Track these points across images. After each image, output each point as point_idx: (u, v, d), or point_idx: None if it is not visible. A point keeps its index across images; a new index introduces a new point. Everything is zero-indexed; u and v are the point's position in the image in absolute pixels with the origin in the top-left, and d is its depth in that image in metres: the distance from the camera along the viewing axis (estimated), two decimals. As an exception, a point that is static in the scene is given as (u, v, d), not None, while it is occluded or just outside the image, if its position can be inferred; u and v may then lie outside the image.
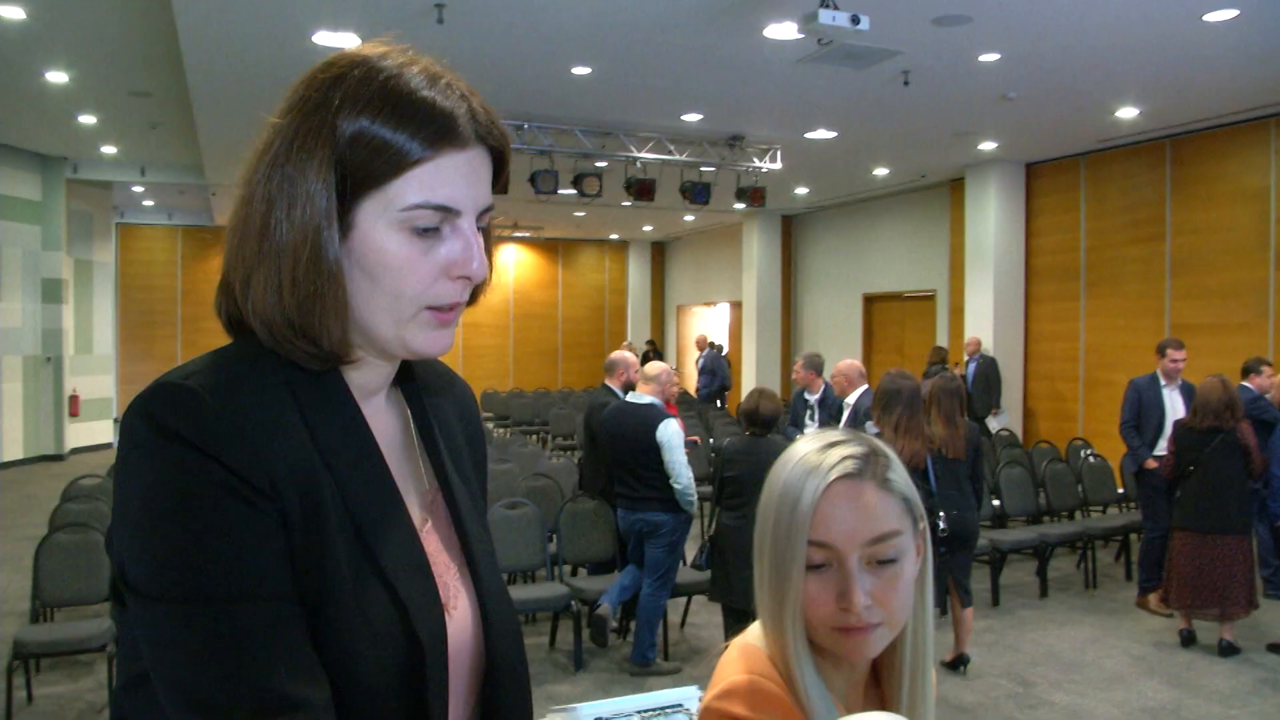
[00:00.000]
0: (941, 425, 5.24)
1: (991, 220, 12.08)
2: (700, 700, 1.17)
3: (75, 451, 14.59)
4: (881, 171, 13.18)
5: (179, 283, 19.42)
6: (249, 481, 0.86)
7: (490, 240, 1.04)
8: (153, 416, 0.86)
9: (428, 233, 0.93)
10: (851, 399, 6.28)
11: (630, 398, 5.65)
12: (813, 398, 6.80)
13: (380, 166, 0.91)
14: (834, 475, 1.07)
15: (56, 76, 9.22)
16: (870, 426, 4.87)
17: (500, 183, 1.03)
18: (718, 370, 15.66)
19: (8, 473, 12.45)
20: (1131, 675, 5.44)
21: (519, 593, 5.64)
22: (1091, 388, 11.45)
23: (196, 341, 19.13)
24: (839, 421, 6.21)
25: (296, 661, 0.85)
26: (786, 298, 17.63)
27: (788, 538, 1.07)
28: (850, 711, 1.14)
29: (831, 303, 16.75)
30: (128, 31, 7.91)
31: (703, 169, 11.22)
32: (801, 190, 14.87)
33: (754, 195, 11.44)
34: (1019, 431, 11.60)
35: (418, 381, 1.11)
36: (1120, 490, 8.09)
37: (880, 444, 1.14)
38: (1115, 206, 11.22)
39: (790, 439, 6.95)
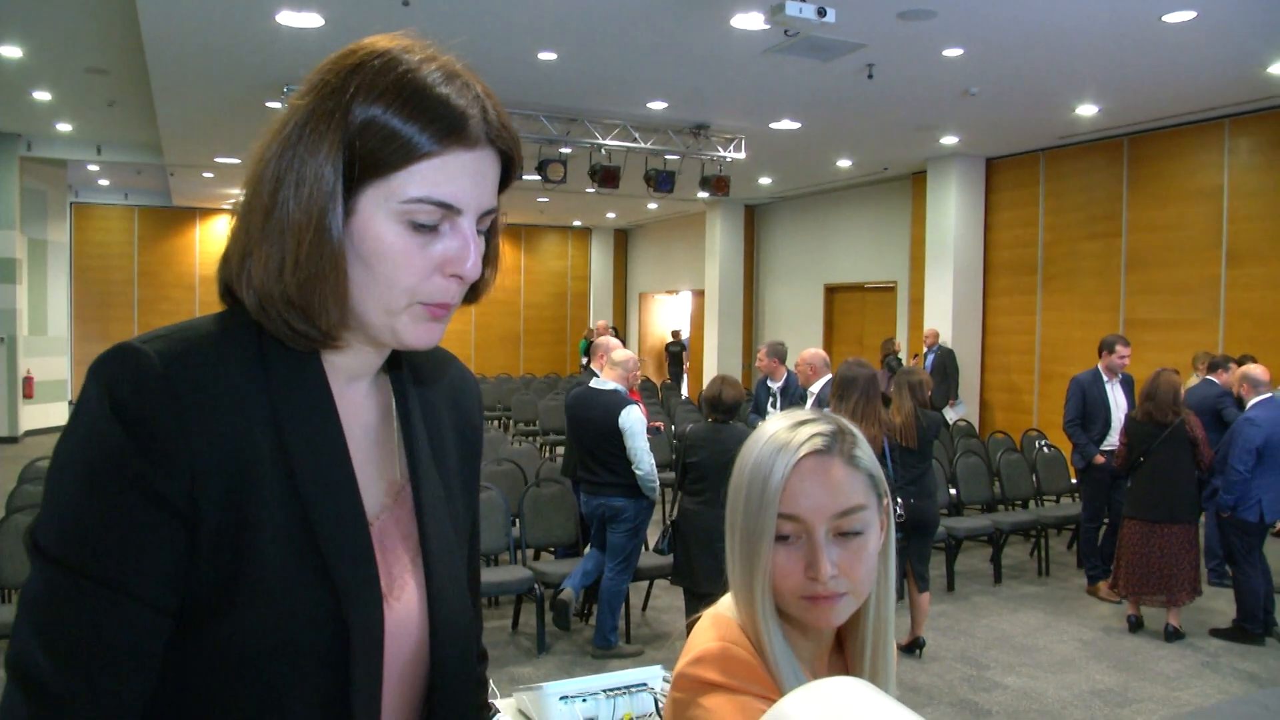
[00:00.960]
0: (901, 415, 5.33)
1: (952, 214, 12.23)
2: (665, 679, 1.20)
3: (30, 434, 14.37)
4: (844, 163, 13.29)
5: (135, 264, 19.15)
6: (159, 470, 0.87)
7: (496, 241, 1.06)
8: (99, 376, 0.89)
9: (427, 228, 0.94)
10: (815, 388, 6.35)
11: (594, 383, 5.68)
12: (775, 385, 6.87)
13: (388, 156, 0.92)
14: (803, 451, 1.13)
15: (10, 51, 9.04)
16: (827, 413, 4.93)
17: (507, 186, 1.04)
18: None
19: (-42, 454, 12.24)
20: (1081, 659, 5.57)
21: (484, 575, 5.65)
22: (1047, 380, 11.65)
23: (153, 323, 18.78)
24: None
25: (131, 664, 0.87)
26: (749, 286, 17.72)
27: (759, 511, 1.13)
28: (817, 678, 1.18)
29: (793, 292, 16.87)
30: (84, 6, 7.78)
31: (667, 157, 11.26)
32: (765, 180, 14.96)
33: (718, 184, 11.49)
34: (975, 422, 11.78)
35: (405, 369, 1.12)
36: (1074, 480, 8.26)
37: (847, 423, 1.19)
38: (1073, 203, 11.41)
39: (753, 426, 7.05)
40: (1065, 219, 11.53)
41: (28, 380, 14.44)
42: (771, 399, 6.91)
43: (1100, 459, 6.58)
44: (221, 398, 0.91)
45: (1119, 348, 6.87)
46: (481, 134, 0.95)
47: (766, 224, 17.71)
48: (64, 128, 12.93)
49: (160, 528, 0.87)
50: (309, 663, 0.92)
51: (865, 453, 1.17)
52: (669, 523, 5.53)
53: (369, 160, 0.92)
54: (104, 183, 17.81)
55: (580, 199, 16.80)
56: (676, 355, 19.41)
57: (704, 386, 5.36)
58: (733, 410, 5.05)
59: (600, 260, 22.95)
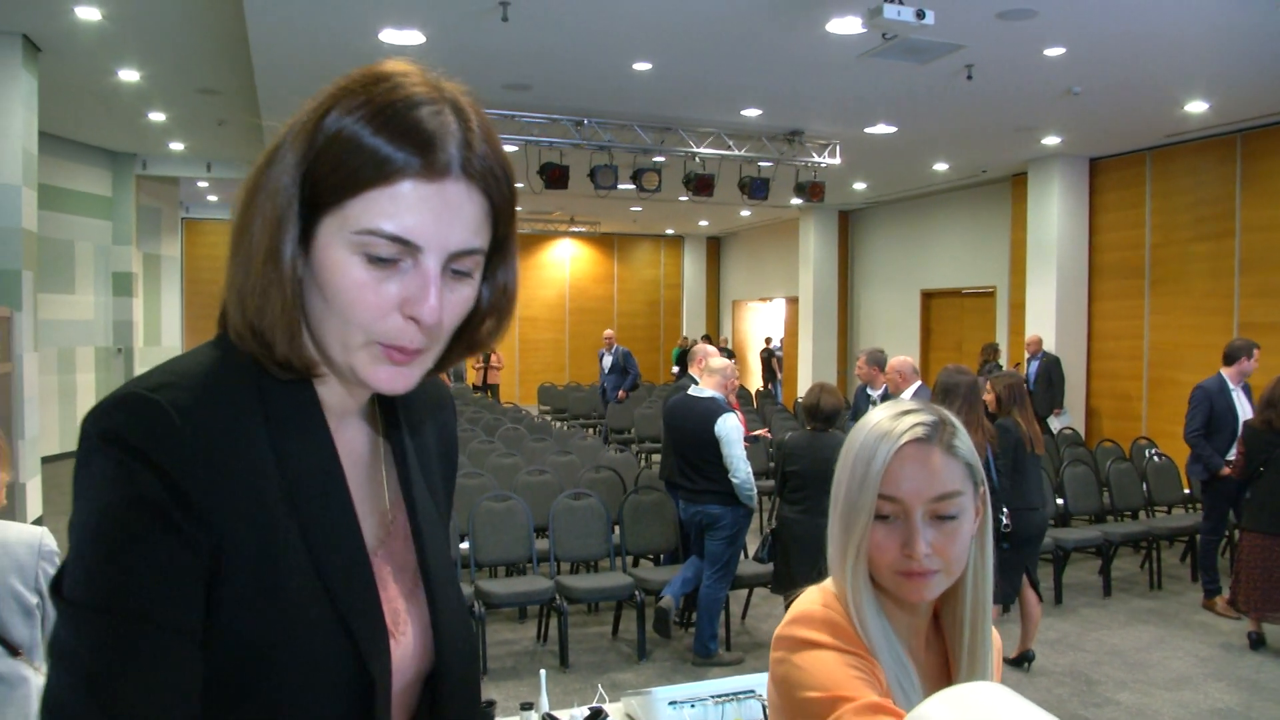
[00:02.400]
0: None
1: (1054, 216, 11.93)
2: None
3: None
4: (942, 166, 13.07)
5: (242, 276, 19.79)
6: (196, 516, 0.84)
7: (502, 284, 1.00)
8: (118, 429, 0.84)
9: (385, 263, 0.87)
10: (906, 395, 6.26)
11: (692, 391, 5.69)
12: (875, 393, 6.79)
13: (344, 177, 0.86)
14: (906, 439, 1.21)
15: (128, 75, 9.48)
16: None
17: (502, 236, 0.96)
18: (629, 369, 14.39)
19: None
20: (1198, 677, 5.37)
21: (585, 582, 5.73)
22: (1157, 386, 11.26)
23: (259, 334, 19.49)
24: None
25: (178, 694, 0.83)
26: (844, 293, 17.54)
27: (860, 490, 1.22)
28: (911, 651, 1.27)
29: (889, 299, 16.64)
30: (198, 30, 8.11)
31: (761, 164, 11.22)
32: (860, 185, 14.80)
33: (813, 190, 11.40)
34: (1081, 431, 11.44)
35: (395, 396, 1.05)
36: (1186, 490, 7.96)
37: (949, 414, 1.27)
38: (1182, 203, 11.02)
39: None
40: (1174, 220, 11.14)
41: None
42: (871, 406, 6.83)
43: (1228, 470, 6.32)
44: (236, 451, 0.88)
45: (1255, 353, 6.62)
46: (453, 164, 0.88)
47: (861, 229, 17.51)
48: (176, 146, 13.47)
49: (195, 571, 0.85)
50: (332, 708, 0.91)
51: (964, 443, 1.25)
52: (768, 531, 5.51)
53: (326, 182, 0.87)
54: (213, 199, 18.50)
55: (673, 207, 16.84)
56: (768, 362, 19.31)
57: (799, 394, 5.32)
58: (832, 418, 5.01)
59: (693, 268, 22.97)
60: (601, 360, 14.31)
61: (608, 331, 14.96)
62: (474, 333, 0.99)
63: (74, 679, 0.81)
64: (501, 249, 0.98)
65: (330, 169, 0.87)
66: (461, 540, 5.88)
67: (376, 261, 0.87)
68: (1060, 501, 7.44)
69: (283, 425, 0.92)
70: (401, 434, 1.08)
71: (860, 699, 1.17)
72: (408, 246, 0.87)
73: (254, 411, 0.91)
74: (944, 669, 1.32)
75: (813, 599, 1.29)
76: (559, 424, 14.29)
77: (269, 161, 0.90)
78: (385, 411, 1.08)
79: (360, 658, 0.92)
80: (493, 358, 16.75)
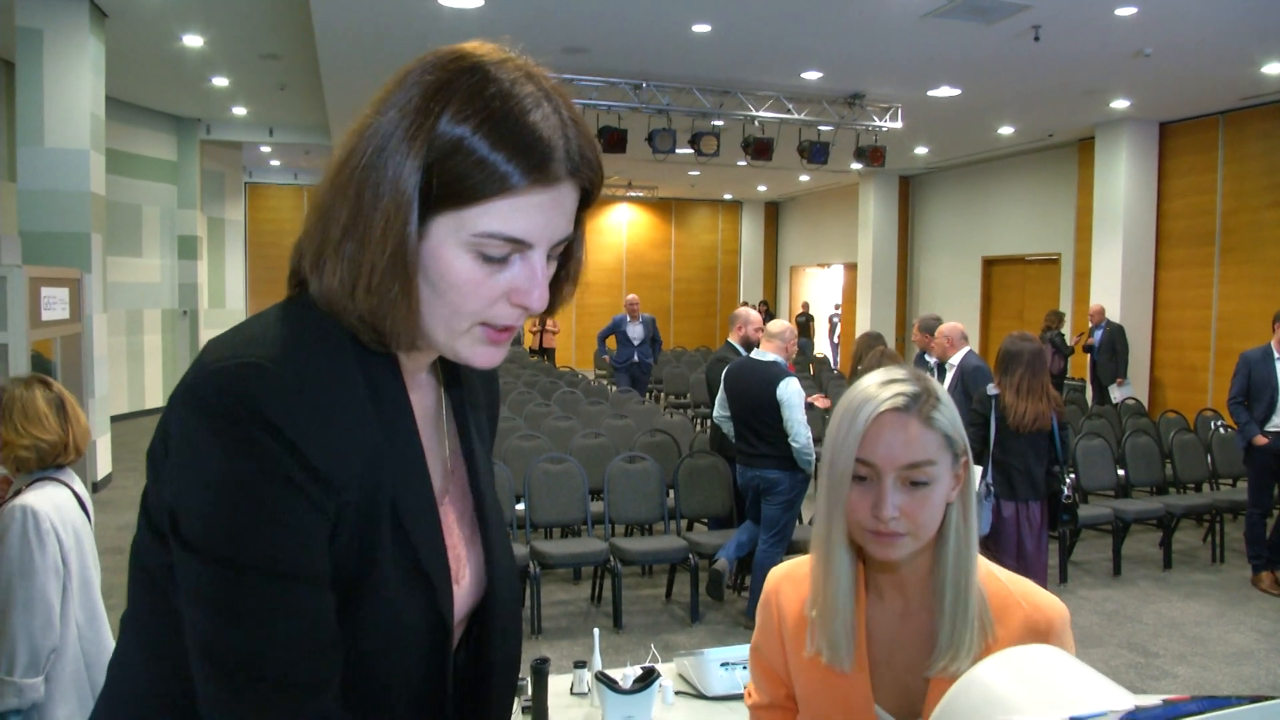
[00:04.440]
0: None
1: (1122, 181, 11.64)
2: None
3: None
4: (1006, 130, 12.80)
5: (303, 239, 20.06)
6: (317, 476, 0.89)
7: (578, 256, 1.06)
8: (242, 398, 0.87)
9: (496, 259, 0.93)
10: (954, 360, 6.20)
11: (754, 354, 5.68)
12: (933, 359, 6.72)
13: (467, 187, 0.90)
14: (885, 407, 1.29)
15: (193, 41, 9.62)
16: (991, 389, 4.81)
17: (586, 211, 1.03)
18: (658, 337, 13.14)
19: (150, 419, 13.16)
20: (1260, 651, 5.28)
21: (639, 544, 5.78)
22: (1224, 357, 10.98)
23: (320, 297, 19.78)
24: (959, 382, 6.12)
25: (319, 642, 0.90)
26: (903, 260, 17.32)
27: (840, 451, 1.30)
28: (885, 603, 1.39)
29: (949, 265, 16.40)
30: (263, -5, 8.20)
31: (821, 128, 11.08)
32: (922, 150, 14.56)
33: (873, 155, 11.25)
34: (1145, 402, 11.23)
35: None
36: (1252, 463, 7.78)
37: (936, 386, 1.33)
38: (1257, 168, 10.69)
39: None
40: (1247, 185, 10.81)
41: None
42: (930, 373, 6.76)
43: (1263, 440, 6.17)
44: (346, 411, 0.93)
45: None
46: (565, 170, 0.93)
47: (922, 195, 17.25)
48: (239, 111, 13.67)
49: (316, 513, 0.90)
50: (412, 654, 1.00)
51: (945, 415, 1.30)
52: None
53: (447, 189, 0.90)
54: (275, 163, 18.76)
55: (731, 172, 16.72)
56: (804, 327, 19.14)
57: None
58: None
59: (750, 233, 22.82)
60: (624, 328, 12.30)
61: (632, 297, 13.03)
62: (554, 298, 1.05)
63: (226, 628, 0.88)
64: (578, 225, 1.04)
65: (451, 178, 0.90)
66: (517, 501, 5.95)
67: (488, 259, 0.93)
68: (1121, 473, 7.33)
69: (377, 393, 0.98)
70: (461, 390, 1.16)
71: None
72: (520, 244, 0.93)
73: (357, 376, 0.96)
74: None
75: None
76: (615, 388, 14.35)
77: (378, 150, 0.92)
78: (448, 369, 1.14)
79: (434, 600, 1.00)
80: (549, 322, 16.80)
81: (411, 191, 0.90)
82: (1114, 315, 11.43)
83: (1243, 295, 10.82)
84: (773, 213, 22.90)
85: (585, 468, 6.15)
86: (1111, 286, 11.72)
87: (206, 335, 15.24)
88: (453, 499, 1.11)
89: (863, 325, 16.94)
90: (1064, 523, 4.92)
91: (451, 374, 1.15)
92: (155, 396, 13.94)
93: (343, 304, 0.93)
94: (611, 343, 12.61)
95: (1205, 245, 11.27)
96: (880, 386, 1.31)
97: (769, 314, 20.56)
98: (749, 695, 1.56)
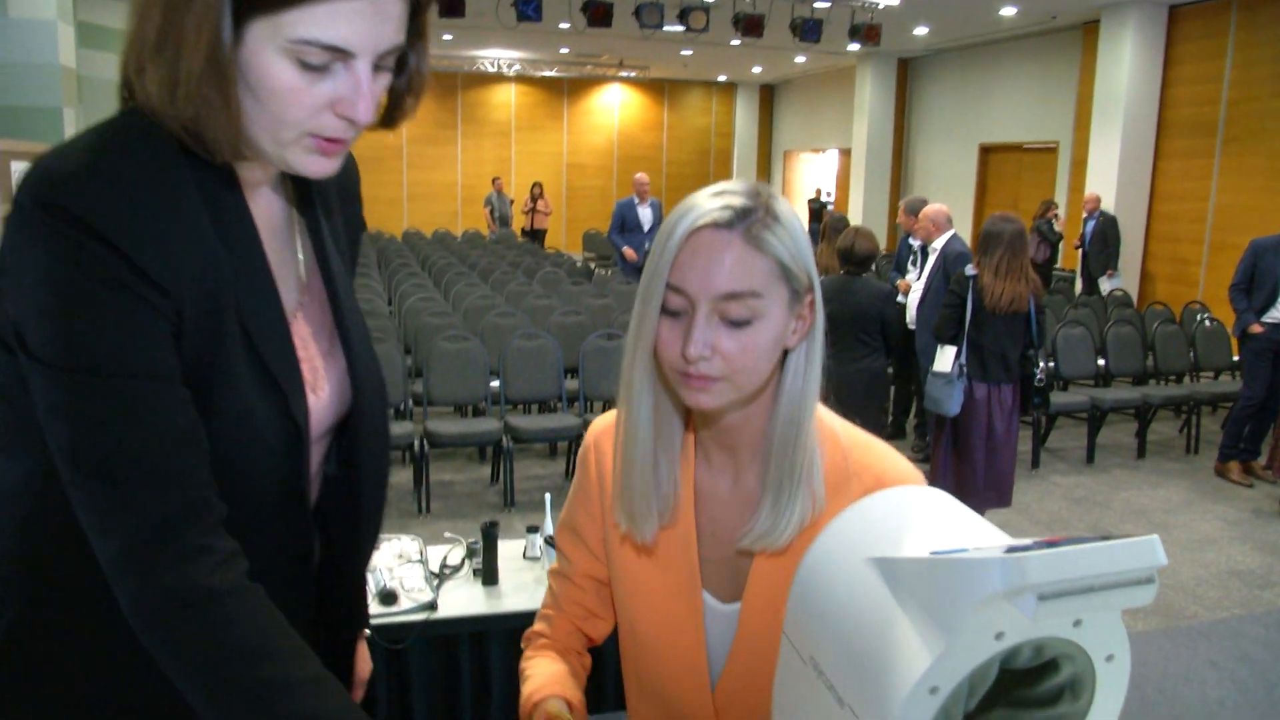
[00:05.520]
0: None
1: (1125, 67, 11.31)
2: None
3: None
4: (1009, 11, 12.39)
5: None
6: (148, 278, 0.88)
7: (420, 68, 1.03)
8: (54, 200, 0.86)
9: (317, 68, 0.90)
10: (938, 244, 6.07)
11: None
12: (916, 242, 6.60)
13: None
14: (702, 222, 1.04)
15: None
16: (969, 269, 4.72)
17: (419, 26, 0.99)
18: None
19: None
20: (1223, 539, 5.33)
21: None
22: (1217, 251, 10.88)
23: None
24: (941, 266, 6.02)
25: (178, 435, 0.91)
26: (899, 146, 17.00)
27: (652, 276, 1.06)
28: (713, 467, 1.20)
29: (946, 152, 16.11)
30: None
31: (815, 4, 10.71)
32: (920, 30, 14.12)
33: (868, 33, 10.91)
34: (1135, 294, 11.15)
35: None
36: (1236, 358, 7.75)
37: (779, 202, 1.09)
38: (1266, 56, 10.37)
39: (893, 284, 6.83)
40: (1256, 74, 10.51)
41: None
42: (912, 256, 6.66)
43: (1259, 328, 6.10)
44: (175, 216, 0.92)
45: None
46: None
47: (920, 79, 16.83)
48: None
49: (152, 313, 0.90)
50: (268, 459, 1.00)
51: (781, 238, 1.05)
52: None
53: None
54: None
55: (725, 52, 16.27)
56: (818, 213, 18.94)
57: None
58: (865, 262, 4.88)
59: (745, 117, 22.36)
60: (633, 213, 10.34)
61: (641, 176, 11.12)
62: (394, 111, 1.04)
63: (84, 433, 0.89)
64: (418, 36, 1.01)
65: None
66: (492, 377, 5.92)
67: (308, 66, 0.90)
68: (1101, 362, 7.31)
69: (212, 197, 0.96)
70: (314, 208, 1.13)
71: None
72: (341, 53, 0.90)
73: (187, 183, 0.94)
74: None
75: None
76: (602, 270, 14.24)
77: None
78: (298, 182, 1.11)
79: (286, 407, 1.01)
80: (540, 203, 16.57)
81: None
82: (1109, 206, 11.25)
83: (1242, 188, 10.64)
84: (768, 96, 22.40)
85: (562, 345, 6.11)
86: (1108, 176, 11.52)
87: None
88: (309, 313, 1.10)
89: (855, 212, 16.73)
90: (1036, 406, 4.89)
91: (304, 190, 1.12)
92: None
93: (165, 111, 0.90)
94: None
95: (1207, 136, 11.03)
96: (709, 198, 1.07)
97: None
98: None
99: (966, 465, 4.80)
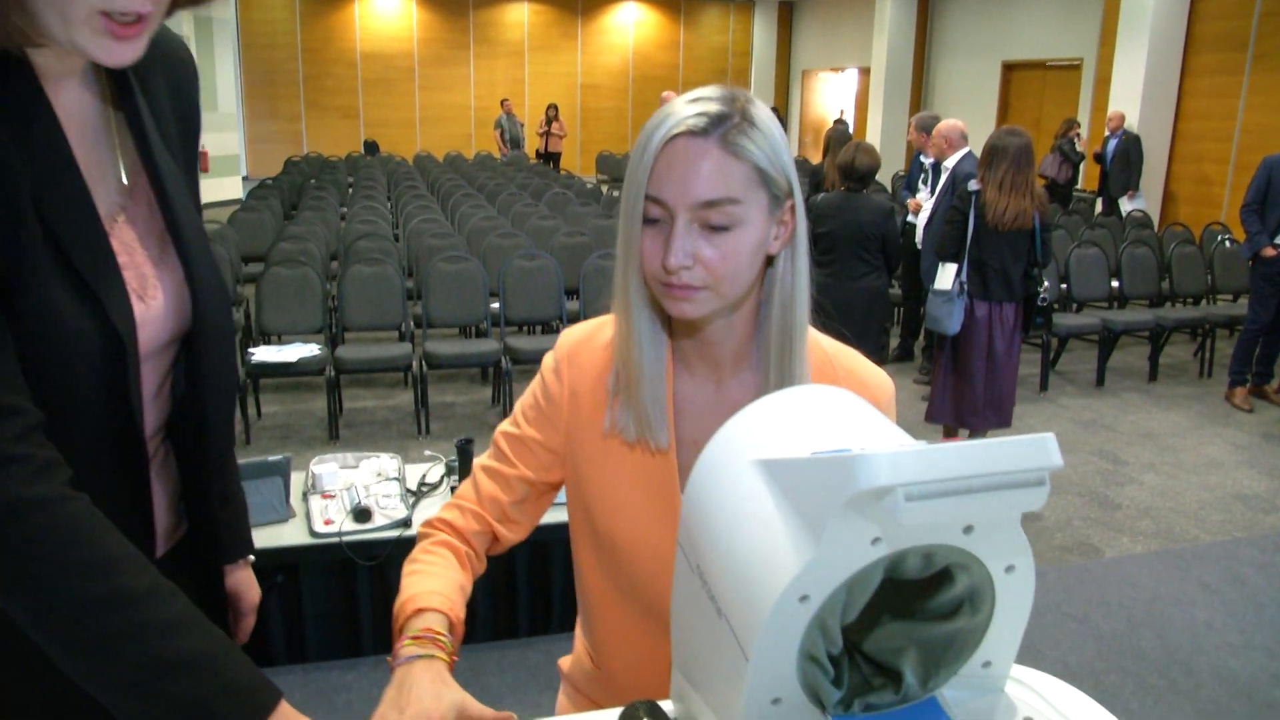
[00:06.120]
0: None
1: (1154, -21, 10.92)
2: None
3: (207, 205, 15.12)
4: (1035, -78, 11.96)
5: (299, 41, 19.28)
6: None
7: None
8: None
9: None
10: (950, 162, 5.88)
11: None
12: (928, 160, 6.43)
13: None
14: (677, 130, 1.02)
15: None
16: (973, 184, 4.59)
17: None
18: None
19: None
20: (1231, 463, 5.24)
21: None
22: (1243, 171, 10.57)
23: (319, 101, 19.27)
24: (951, 186, 5.86)
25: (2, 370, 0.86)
26: (919, 64, 16.57)
27: (632, 187, 1.06)
28: (695, 376, 1.19)
29: (967, 71, 15.71)
30: None
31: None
32: (944, -56, 13.67)
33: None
34: (1156, 216, 10.90)
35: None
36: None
37: (756, 109, 1.06)
38: (1300, -35, 9.99)
39: (903, 202, 6.67)
40: (1289, -15, 10.13)
41: (203, 155, 15.03)
42: (923, 174, 6.50)
43: (1272, 251, 5.90)
44: None
45: None
46: None
47: (943, -5, 16.35)
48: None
49: None
50: (86, 370, 0.93)
51: (758, 143, 1.04)
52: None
53: None
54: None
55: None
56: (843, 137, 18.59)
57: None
58: (866, 178, 4.75)
59: (763, 36, 21.84)
60: None
61: (669, 95, 11.96)
62: None
63: None
64: None
65: None
66: (492, 297, 5.86)
67: None
68: (1115, 284, 7.16)
69: (2, 97, 0.89)
70: (135, 100, 1.04)
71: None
72: None
73: None
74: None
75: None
76: (615, 193, 14.07)
77: None
78: (115, 77, 1.03)
79: (104, 315, 0.93)
80: (554, 125, 16.34)
81: None
82: (1133, 125, 10.95)
83: (1272, 106, 10.31)
84: (786, 14, 21.83)
85: (564, 266, 6.03)
86: (1132, 94, 11.18)
87: (200, 140, 14.88)
88: (133, 214, 1.03)
89: (874, 133, 16.40)
90: (1038, 326, 4.78)
91: (124, 86, 1.03)
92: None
93: None
94: None
95: (1237, 51, 10.66)
96: (685, 104, 1.05)
97: (781, 120, 19.93)
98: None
99: (966, 384, 4.72)
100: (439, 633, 1.07)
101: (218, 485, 1.17)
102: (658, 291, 1.09)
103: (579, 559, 1.31)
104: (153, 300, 1.01)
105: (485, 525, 1.25)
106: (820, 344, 1.20)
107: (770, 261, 1.12)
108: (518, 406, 1.28)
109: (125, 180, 1.03)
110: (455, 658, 1.09)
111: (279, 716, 0.87)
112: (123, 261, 0.98)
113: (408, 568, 1.18)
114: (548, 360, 1.25)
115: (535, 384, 1.27)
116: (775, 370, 1.14)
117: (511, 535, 1.28)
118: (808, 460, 0.73)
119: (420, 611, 1.09)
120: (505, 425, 1.28)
